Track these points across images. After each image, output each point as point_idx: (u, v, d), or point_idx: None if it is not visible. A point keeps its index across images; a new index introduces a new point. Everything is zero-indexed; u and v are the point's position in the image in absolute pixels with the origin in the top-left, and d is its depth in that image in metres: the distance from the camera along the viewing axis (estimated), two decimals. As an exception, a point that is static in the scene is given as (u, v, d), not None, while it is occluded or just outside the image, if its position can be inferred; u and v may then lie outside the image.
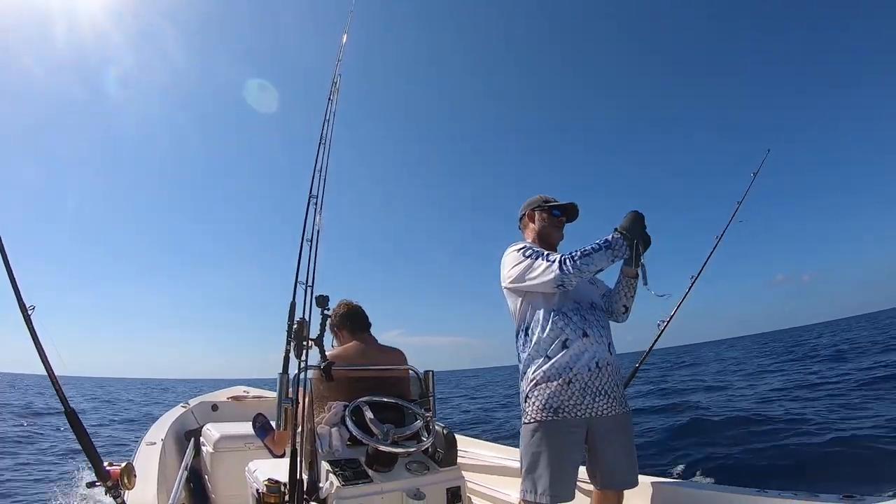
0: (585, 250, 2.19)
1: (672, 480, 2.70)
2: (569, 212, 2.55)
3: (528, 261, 2.31)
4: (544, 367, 2.24)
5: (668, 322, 3.33)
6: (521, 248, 2.39)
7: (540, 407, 2.22)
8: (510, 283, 2.38)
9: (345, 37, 3.25)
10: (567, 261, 2.19)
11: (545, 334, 2.27)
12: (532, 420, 2.24)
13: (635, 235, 2.18)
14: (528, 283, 2.30)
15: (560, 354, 2.23)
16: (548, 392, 2.22)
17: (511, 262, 2.39)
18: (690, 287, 3.40)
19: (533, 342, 2.30)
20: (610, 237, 2.20)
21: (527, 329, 2.35)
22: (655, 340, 3.42)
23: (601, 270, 2.27)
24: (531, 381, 2.27)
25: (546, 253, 2.31)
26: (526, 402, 2.28)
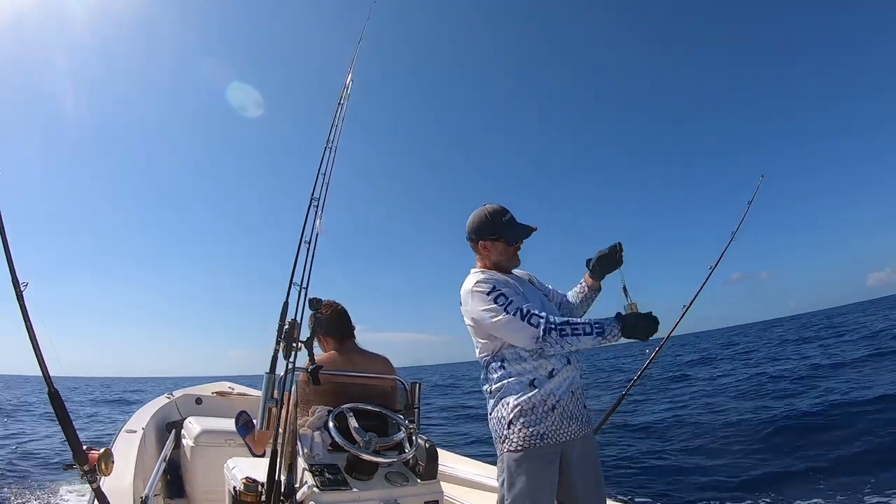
0: (576, 328, 2.10)
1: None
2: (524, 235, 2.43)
3: (505, 316, 2.17)
4: (529, 395, 2.20)
5: (659, 350, 3.33)
6: (490, 292, 2.24)
7: (527, 434, 2.18)
8: (478, 325, 2.30)
9: (359, 42, 3.26)
10: (553, 333, 2.09)
11: (528, 364, 2.22)
12: (518, 448, 2.18)
13: (634, 335, 2.10)
14: (497, 334, 2.24)
15: (547, 384, 2.21)
16: (533, 418, 2.19)
17: (480, 304, 2.25)
18: (682, 317, 3.41)
19: (514, 371, 2.24)
20: (607, 326, 2.10)
21: (502, 358, 2.27)
22: (645, 368, 3.43)
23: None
24: (515, 407, 2.20)
25: (518, 307, 2.17)
26: (509, 428, 2.21)
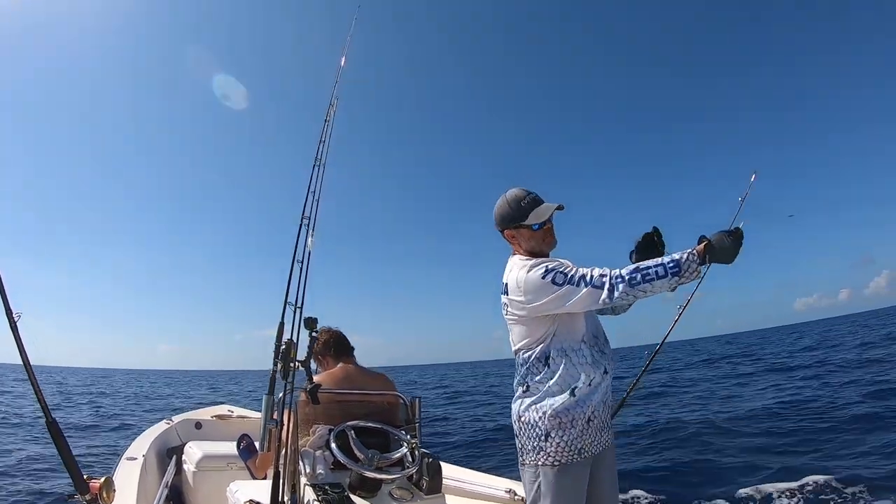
0: (647, 274, 1.93)
1: None
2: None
3: (564, 289, 2.04)
4: (568, 405, 2.10)
5: (656, 352, 3.33)
6: (546, 273, 2.09)
7: (564, 447, 2.09)
8: (536, 314, 2.15)
9: (342, 60, 3.26)
10: (620, 286, 1.95)
11: (573, 370, 2.12)
12: (556, 462, 2.09)
13: (726, 259, 1.93)
14: (560, 311, 2.11)
15: (585, 394, 2.11)
16: (573, 432, 2.09)
17: (537, 290, 2.10)
18: (678, 317, 3.41)
19: (556, 375, 2.12)
20: (684, 262, 1.91)
21: (547, 359, 2.16)
22: (644, 370, 3.43)
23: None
24: (553, 416, 2.10)
25: (582, 275, 2.03)
26: (546, 440, 2.10)
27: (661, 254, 2.15)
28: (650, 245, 2.24)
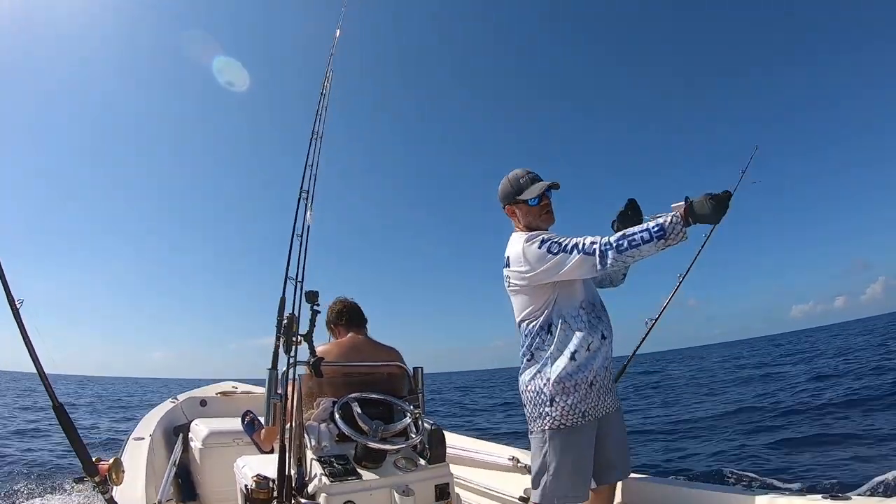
0: (634, 239, 2.04)
1: (644, 477, 2.73)
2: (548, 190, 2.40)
3: (559, 257, 2.17)
4: (570, 370, 2.21)
5: (656, 320, 3.34)
6: (542, 243, 2.23)
7: (568, 410, 2.20)
8: (536, 283, 2.27)
9: (338, 31, 3.23)
10: (610, 253, 2.07)
11: (572, 337, 2.23)
12: (562, 425, 2.20)
13: (710, 221, 2.04)
14: (557, 278, 2.22)
15: (585, 358, 2.22)
16: (576, 395, 2.20)
17: (535, 259, 2.23)
18: (678, 287, 3.41)
19: (556, 342, 2.24)
20: (668, 225, 2.02)
21: (549, 326, 2.28)
22: (644, 338, 3.45)
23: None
24: (556, 382, 2.21)
25: (574, 243, 2.15)
26: (551, 405, 2.21)
27: (639, 222, 2.27)
28: (635, 212, 2.39)
